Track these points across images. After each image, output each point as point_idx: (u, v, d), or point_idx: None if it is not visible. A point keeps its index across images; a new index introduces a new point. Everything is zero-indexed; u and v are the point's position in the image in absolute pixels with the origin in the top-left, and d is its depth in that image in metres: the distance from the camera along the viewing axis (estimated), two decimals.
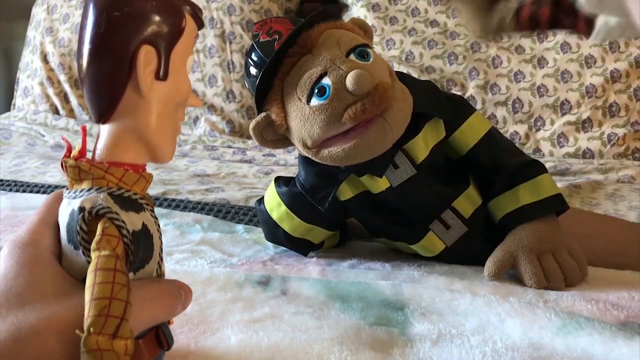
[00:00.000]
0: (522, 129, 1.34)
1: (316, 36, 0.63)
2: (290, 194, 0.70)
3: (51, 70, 1.80)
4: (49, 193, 1.03)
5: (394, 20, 1.53)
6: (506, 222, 0.65)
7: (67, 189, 0.34)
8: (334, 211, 0.69)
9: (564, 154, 1.30)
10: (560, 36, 1.38)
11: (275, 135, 0.65)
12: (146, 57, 0.32)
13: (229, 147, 1.46)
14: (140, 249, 0.33)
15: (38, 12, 1.92)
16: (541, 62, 1.38)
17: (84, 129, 0.36)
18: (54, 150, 1.54)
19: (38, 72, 1.82)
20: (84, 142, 0.35)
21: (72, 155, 0.34)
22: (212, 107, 1.60)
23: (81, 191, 0.32)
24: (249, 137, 1.56)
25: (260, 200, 0.75)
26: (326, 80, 0.60)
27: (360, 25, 0.68)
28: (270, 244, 0.76)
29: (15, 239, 0.34)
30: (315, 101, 0.61)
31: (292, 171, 1.25)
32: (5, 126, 1.70)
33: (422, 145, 0.65)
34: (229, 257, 0.71)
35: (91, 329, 0.28)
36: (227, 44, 1.63)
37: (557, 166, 1.19)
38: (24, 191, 1.06)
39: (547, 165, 1.16)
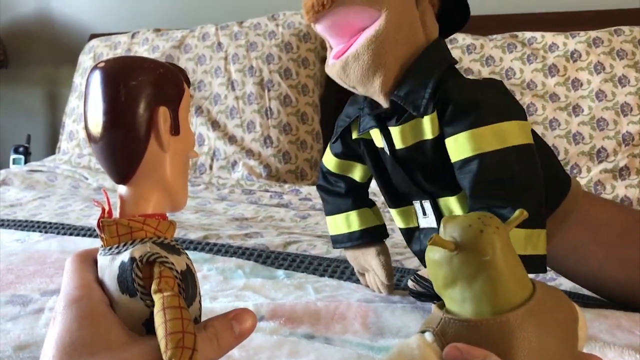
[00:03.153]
0: None
1: None
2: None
3: None
4: (95, 237, 1.06)
5: None
6: None
7: (104, 247, 0.37)
8: (348, 146, 0.77)
9: None
10: (595, 84, 1.39)
11: None
12: (164, 117, 0.36)
13: (266, 190, 1.49)
14: (189, 287, 0.36)
15: (85, 60, 2.00)
16: (576, 109, 1.39)
17: (105, 192, 0.40)
18: (97, 193, 1.59)
19: (83, 117, 1.89)
20: (109, 203, 0.38)
21: (105, 215, 0.37)
22: (249, 152, 1.64)
23: (124, 245, 0.36)
24: (285, 182, 1.59)
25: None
26: None
27: None
28: (310, 288, 0.78)
29: (66, 295, 0.36)
30: None
31: None
32: (51, 169, 1.76)
33: (399, 137, 0.67)
34: (272, 301, 0.73)
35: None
36: (266, 91, 1.68)
37: None
38: (71, 234, 1.10)
39: None
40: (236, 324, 0.36)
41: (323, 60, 1.77)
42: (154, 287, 0.33)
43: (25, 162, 2.15)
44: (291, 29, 1.74)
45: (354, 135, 0.75)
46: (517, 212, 0.39)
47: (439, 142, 0.64)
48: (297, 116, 1.66)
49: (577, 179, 1.34)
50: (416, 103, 0.63)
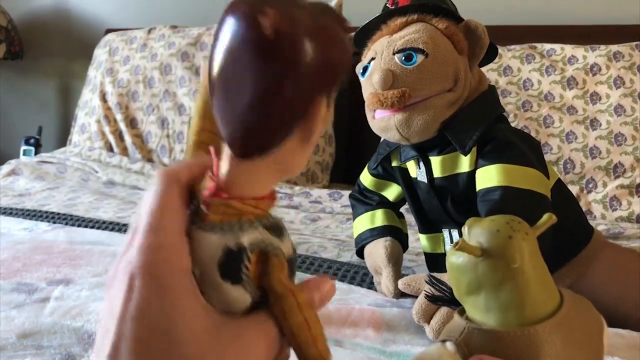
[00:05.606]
0: (573, 190, 1.32)
1: (402, 24, 0.73)
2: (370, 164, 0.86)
3: (109, 109, 1.87)
4: (104, 229, 1.05)
5: None
6: None
7: (202, 220, 0.31)
8: (386, 171, 0.83)
9: (617, 217, 1.28)
10: (614, 98, 1.37)
11: None
12: (323, 109, 0.30)
13: (277, 192, 1.47)
14: (294, 271, 0.33)
15: (100, 54, 2.00)
16: (594, 123, 1.37)
17: (213, 153, 0.32)
18: (106, 186, 1.58)
19: (96, 110, 1.89)
20: (217, 170, 0.32)
21: (206, 186, 0.31)
22: None
23: (229, 225, 0.31)
24: (296, 184, 1.58)
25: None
26: (370, 65, 0.74)
27: (469, 30, 0.73)
28: None
29: (150, 251, 0.29)
30: (361, 76, 0.76)
31: (338, 219, 1.25)
32: (61, 160, 1.76)
33: (439, 166, 0.72)
34: None
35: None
36: None
37: (610, 229, 1.16)
38: (79, 225, 1.09)
39: (600, 228, 1.14)
40: (317, 293, 0.33)
41: None
42: (272, 281, 0.31)
43: (36, 154, 2.15)
44: None
45: (394, 164, 0.81)
46: (545, 216, 0.37)
47: (472, 176, 0.70)
48: None
49: (593, 193, 1.32)
50: (463, 142, 0.69)
